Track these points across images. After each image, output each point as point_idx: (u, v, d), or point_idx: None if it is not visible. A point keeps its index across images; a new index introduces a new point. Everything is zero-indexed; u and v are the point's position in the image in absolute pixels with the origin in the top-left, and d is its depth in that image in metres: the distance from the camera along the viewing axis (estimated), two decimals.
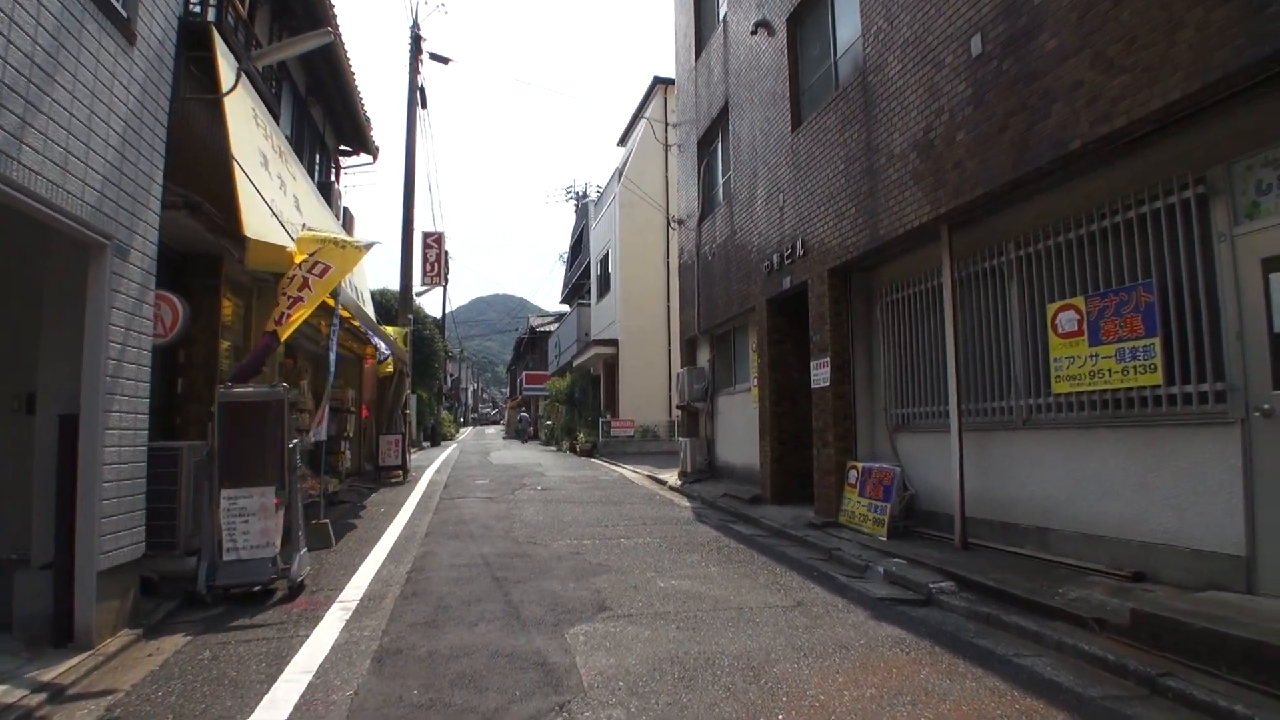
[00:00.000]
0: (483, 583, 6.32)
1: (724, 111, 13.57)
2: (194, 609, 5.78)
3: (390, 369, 13.39)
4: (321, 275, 7.03)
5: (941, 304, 7.66)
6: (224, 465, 6.16)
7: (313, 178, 13.31)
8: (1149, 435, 5.37)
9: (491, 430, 66.09)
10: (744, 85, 12.45)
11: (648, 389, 24.76)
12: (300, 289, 6.89)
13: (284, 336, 6.80)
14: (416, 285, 19.77)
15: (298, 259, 7.04)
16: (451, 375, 58.89)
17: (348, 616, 5.38)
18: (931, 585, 6.00)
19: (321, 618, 5.38)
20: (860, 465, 8.68)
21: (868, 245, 8.38)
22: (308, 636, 4.92)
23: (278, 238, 7.35)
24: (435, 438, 36.31)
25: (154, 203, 5.78)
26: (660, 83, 24.97)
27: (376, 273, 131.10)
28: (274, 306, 7.03)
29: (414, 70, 17.55)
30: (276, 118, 11.27)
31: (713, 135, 14.68)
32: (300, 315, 6.85)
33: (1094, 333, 5.76)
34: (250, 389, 6.36)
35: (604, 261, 28.57)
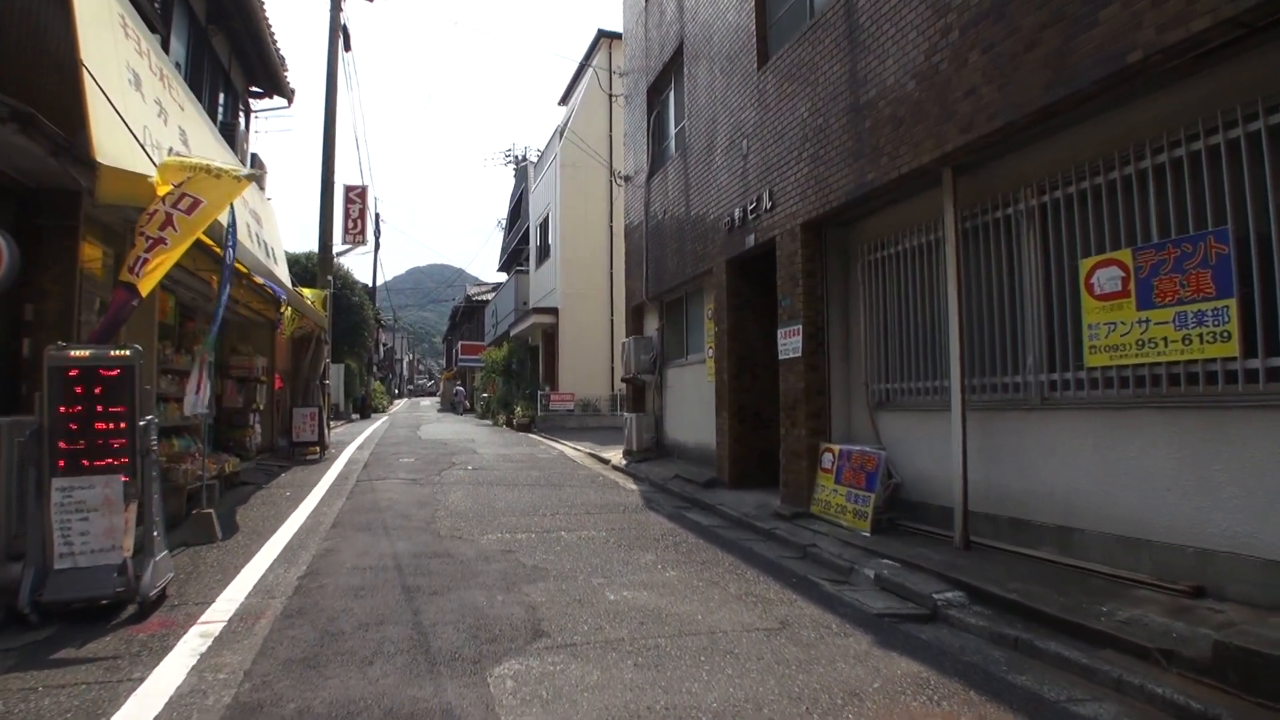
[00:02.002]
0: (389, 594, 5.12)
1: (678, 53, 12.36)
2: (16, 630, 4.49)
3: (289, 331, 11.88)
4: (190, 211, 5.66)
5: (941, 261, 6.66)
6: (56, 447, 4.83)
7: (215, 118, 11.71)
8: (1214, 419, 4.42)
9: (427, 402, 64.11)
10: (700, 22, 11.25)
11: (589, 360, 23.61)
12: (162, 228, 5.52)
13: (145, 289, 5.44)
14: (337, 244, 18.17)
15: (161, 191, 5.66)
16: (385, 345, 56.76)
17: (205, 647, 4.14)
18: (936, 596, 5.03)
19: (171, 648, 4.14)
20: (837, 448, 7.70)
21: (851, 194, 7.32)
22: (142, 680, 3.68)
23: (141, 166, 5.96)
24: (365, 410, 34.60)
25: None
26: (605, 36, 23.57)
27: (298, 235, 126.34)
28: (129, 250, 5.66)
29: (336, 6, 15.85)
30: (165, 42, 9.70)
31: (664, 82, 13.47)
32: (163, 261, 5.50)
33: (1144, 293, 4.78)
34: (90, 350, 5.01)
35: (544, 226, 27.16)
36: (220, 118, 12.32)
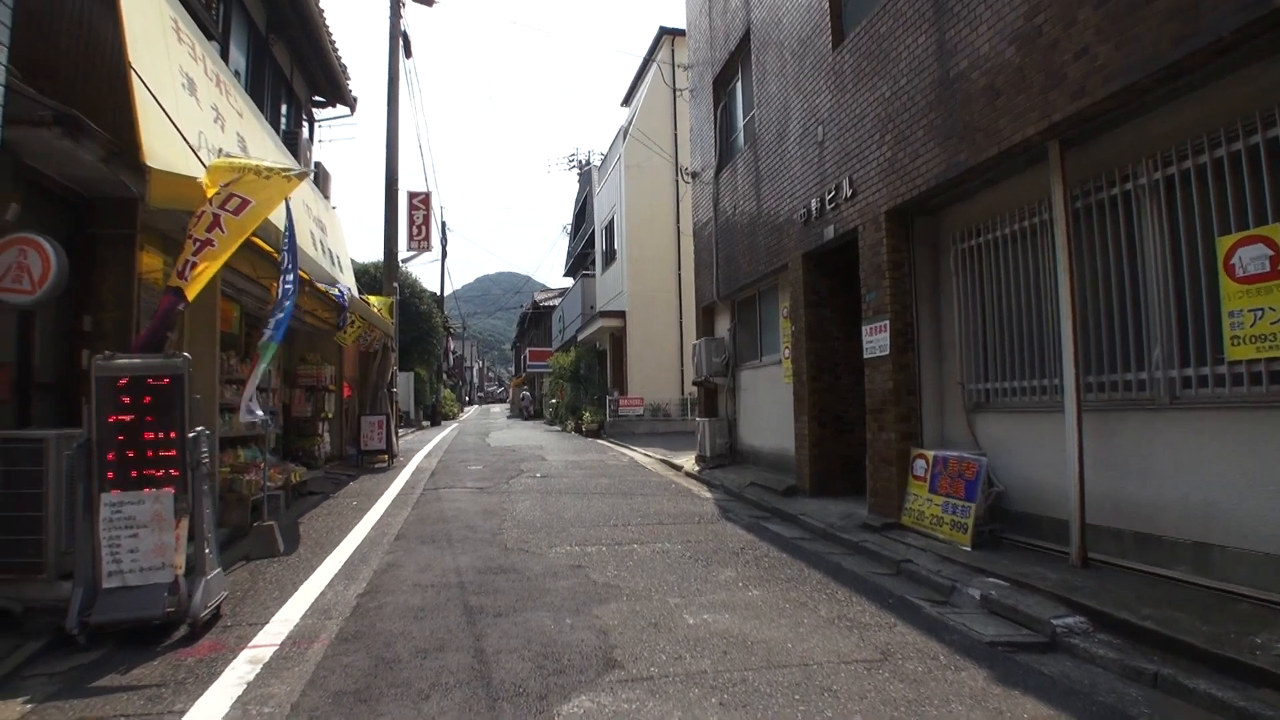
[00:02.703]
0: (451, 615, 4.75)
1: (744, 41, 11.84)
2: (64, 652, 4.28)
3: (350, 338, 11.69)
4: (238, 212, 5.41)
5: (1048, 246, 6.03)
6: (105, 460, 4.61)
7: (277, 128, 11.68)
8: None
9: (497, 409, 64.67)
10: (768, 6, 10.71)
11: (658, 364, 23.16)
12: (209, 229, 5.28)
13: (192, 293, 5.20)
14: (402, 251, 18.15)
15: (209, 191, 5.44)
16: (454, 353, 57.43)
17: (253, 675, 3.83)
18: (1055, 622, 4.43)
19: (218, 675, 3.84)
20: (930, 454, 7.07)
21: (941, 176, 6.72)
22: (183, 713, 3.39)
23: (193, 169, 5.76)
24: (436, 417, 34.90)
25: None
26: (667, 33, 23.13)
27: (365, 245, 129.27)
28: (168, 254, 5.44)
29: (395, 12, 15.81)
30: (224, 50, 9.64)
31: (731, 72, 12.96)
32: (210, 264, 5.25)
33: None
34: (138, 360, 4.78)
35: (609, 229, 26.85)
36: (283, 127, 12.30)
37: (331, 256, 11.96)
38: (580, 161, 39.17)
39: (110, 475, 4.60)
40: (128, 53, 5.52)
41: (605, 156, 29.67)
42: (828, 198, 8.91)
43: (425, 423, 32.15)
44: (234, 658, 4.11)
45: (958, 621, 4.72)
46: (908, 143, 7.27)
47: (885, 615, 4.83)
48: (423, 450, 17.39)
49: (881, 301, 7.74)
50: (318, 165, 13.53)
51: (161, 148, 5.60)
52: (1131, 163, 5.36)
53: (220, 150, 6.25)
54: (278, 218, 6.76)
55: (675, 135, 22.55)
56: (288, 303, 6.40)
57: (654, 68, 23.39)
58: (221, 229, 5.31)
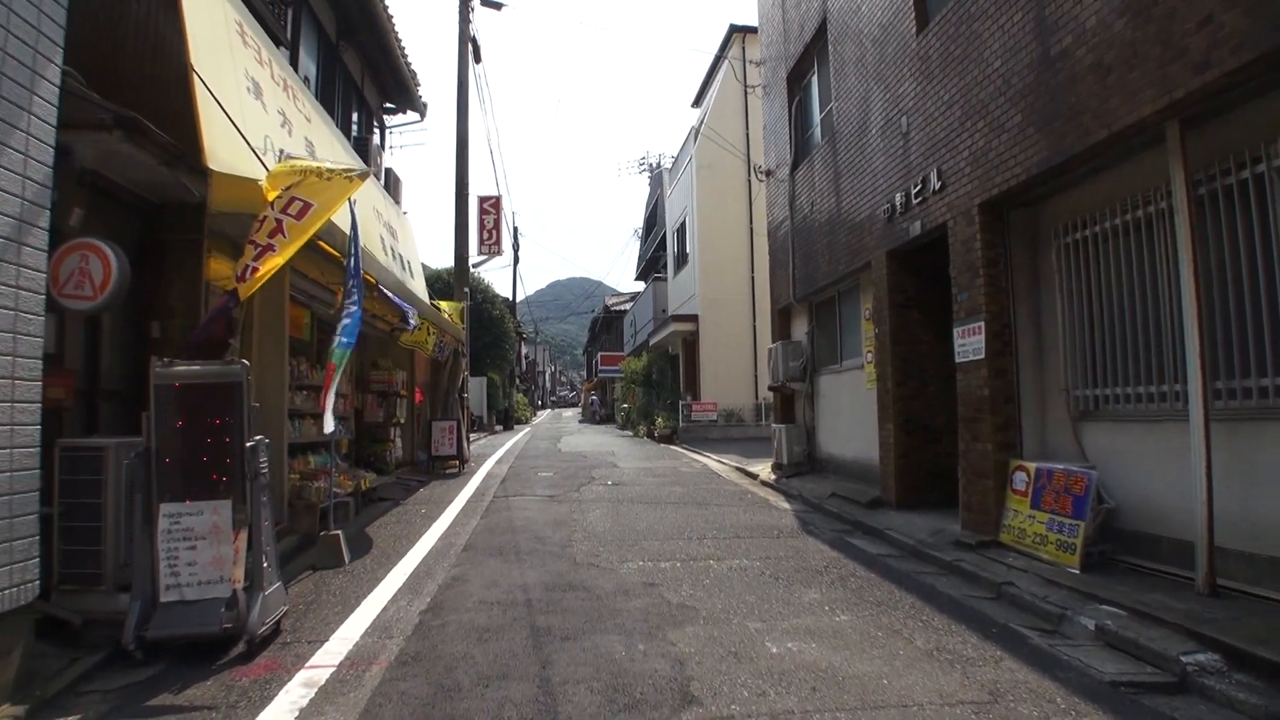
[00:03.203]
0: (516, 637, 4.45)
1: (820, 32, 11.35)
2: (120, 668, 4.15)
3: (420, 343, 11.54)
4: (300, 216, 5.25)
5: (1166, 237, 5.43)
6: (163, 469, 4.47)
7: (348, 134, 11.70)
8: None
9: (569, 413, 64.88)
10: None
11: (731, 368, 22.68)
12: (272, 235, 5.12)
13: (245, 293, 5.05)
14: (473, 256, 18.09)
15: (270, 195, 5.29)
16: (526, 357, 57.90)
17: (306, 700, 3.60)
18: (1184, 659, 3.89)
19: (271, 699, 3.62)
20: (1033, 467, 6.49)
21: (1042, 164, 6.16)
22: None
23: (256, 172, 5.64)
24: (509, 422, 35.09)
25: (42, 99, 4.07)
26: (738, 31, 22.69)
27: (436, 251, 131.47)
28: (238, 260, 5.31)
29: (464, 18, 15.79)
30: (294, 57, 9.65)
31: (806, 66, 12.46)
32: (270, 266, 5.09)
33: None
34: (197, 367, 4.63)
35: (680, 231, 26.49)
36: (354, 134, 12.34)
37: (402, 262, 11.92)
38: (650, 165, 39.04)
39: (168, 485, 4.46)
40: (189, 54, 5.43)
41: (676, 159, 29.34)
42: (913, 191, 8.37)
43: (498, 427, 32.32)
44: (289, 679, 3.89)
45: (1072, 656, 4.21)
46: (1003, 130, 6.72)
47: (989, 647, 4.34)
48: (494, 455, 17.32)
49: (975, 301, 7.18)
50: (389, 171, 13.56)
51: (224, 150, 5.50)
52: (1264, 141, 4.74)
53: (282, 153, 6.12)
54: (344, 221, 6.62)
55: (747, 135, 22.06)
56: (354, 308, 6.23)
57: (725, 66, 22.97)
58: (284, 234, 5.15)
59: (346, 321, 6.40)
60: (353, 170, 5.55)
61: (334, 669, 4.03)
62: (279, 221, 5.22)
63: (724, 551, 6.80)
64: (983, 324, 7.06)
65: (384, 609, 5.11)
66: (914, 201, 8.36)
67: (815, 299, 12.30)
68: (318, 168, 5.47)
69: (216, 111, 5.56)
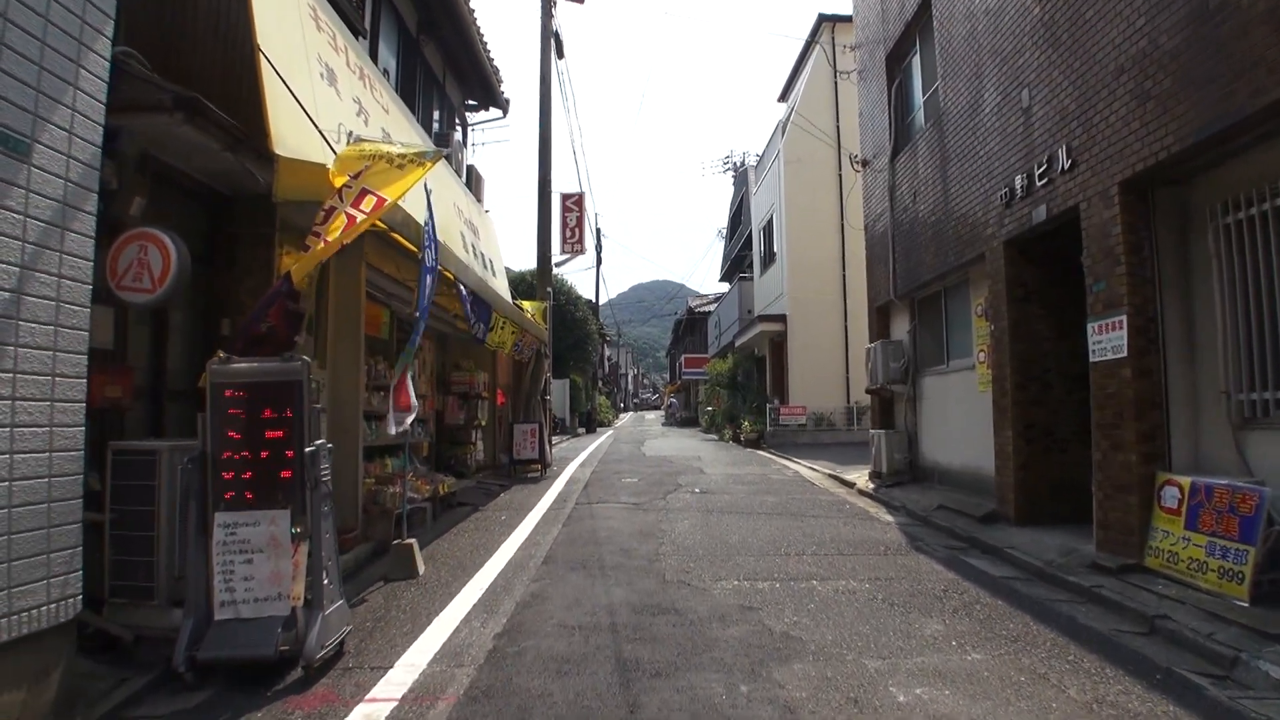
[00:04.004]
0: (600, 672, 3.90)
1: (924, 8, 10.50)
2: (170, 690, 3.82)
3: (499, 344, 11.13)
4: (370, 209, 4.85)
5: None
6: (219, 475, 4.11)
7: (429, 130, 11.45)
8: None
9: (651, 415, 64.49)
10: None
11: (821, 370, 21.75)
12: (345, 231, 4.71)
13: (299, 277, 4.65)
14: (556, 255, 17.75)
15: (337, 181, 4.90)
16: (610, 360, 57.79)
17: None
18: None
19: None
20: (1186, 481, 5.60)
21: (1201, 132, 5.29)
22: None
23: (325, 157, 5.28)
24: (591, 424, 34.86)
25: (89, 73, 3.74)
26: (827, 20, 21.77)
27: (517, 252, 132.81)
28: (299, 255, 4.94)
29: (547, 12, 15.47)
30: (374, 49, 9.41)
31: (906, 46, 11.62)
32: (327, 249, 4.68)
33: None
34: (255, 364, 4.26)
35: (767, 229, 25.66)
36: (435, 130, 12.10)
37: (484, 260, 11.61)
38: (735, 163, 38.35)
39: (224, 493, 4.09)
40: (255, 34, 5.10)
41: (761, 155, 28.52)
42: (1037, 172, 7.51)
43: (581, 430, 32.09)
44: (346, 714, 3.44)
45: (1260, 714, 3.42)
46: (1148, 96, 5.85)
47: (1158, 699, 3.59)
48: (577, 459, 16.93)
49: (1115, 293, 6.31)
50: (470, 169, 13.30)
51: (292, 135, 5.15)
52: None
53: (351, 134, 5.76)
54: (418, 210, 6.24)
55: (838, 126, 21.14)
56: (423, 300, 5.82)
57: (813, 57, 22.08)
58: (356, 226, 4.75)
59: (415, 313, 6.02)
60: (425, 153, 5.13)
61: (396, 703, 3.57)
62: (350, 217, 4.81)
63: (827, 570, 6.12)
64: (1124, 318, 6.19)
65: (456, 630, 4.64)
66: (1038, 184, 7.50)
67: (918, 295, 11.43)
68: (388, 152, 5.07)
69: (284, 94, 5.21)
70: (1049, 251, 7.96)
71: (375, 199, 4.83)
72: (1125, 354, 6.17)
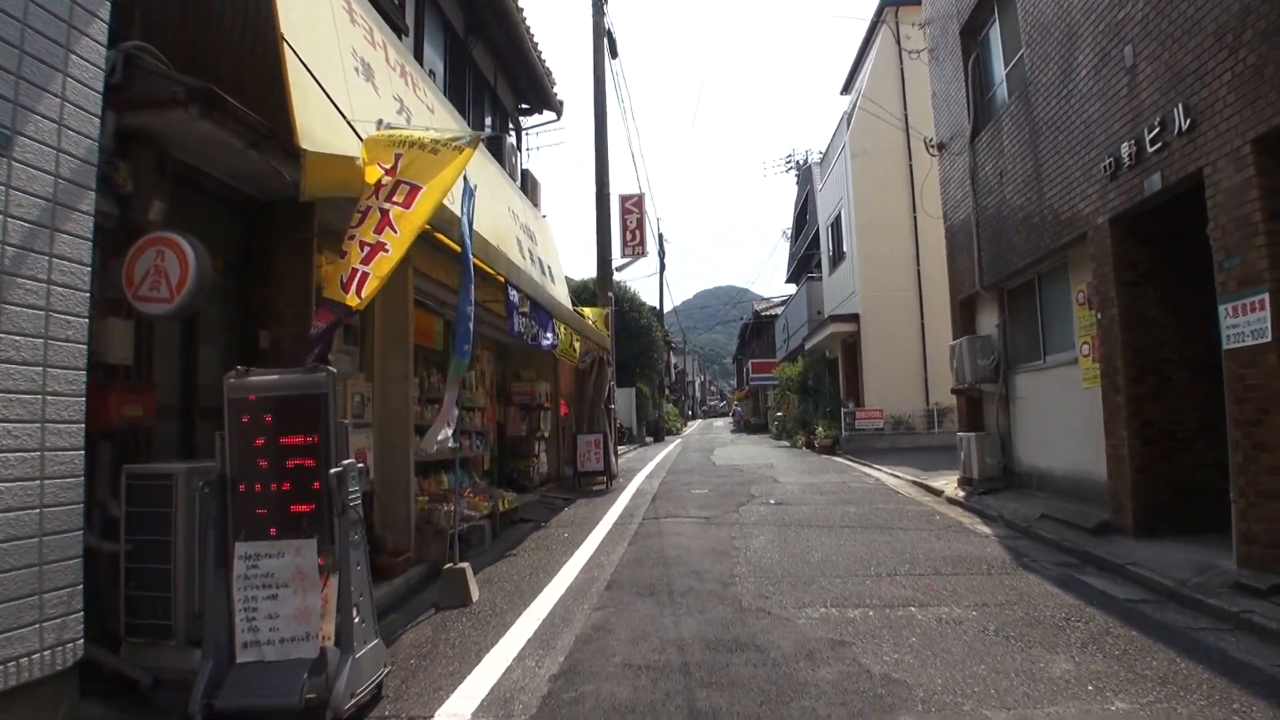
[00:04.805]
0: None
1: None
2: None
3: (566, 349, 10.63)
4: (408, 204, 4.39)
5: None
6: (239, 500, 3.68)
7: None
8: None
9: (719, 423, 63.57)
10: None
11: (897, 371, 20.74)
12: (379, 230, 4.26)
13: (361, 305, 4.19)
14: (616, 258, 17.28)
15: (370, 176, 4.46)
16: (676, 367, 57.21)
17: None
18: None
19: None
20: None
21: None
22: None
23: (354, 149, 4.85)
24: (659, 433, 34.31)
25: (81, 59, 3.37)
26: (889, 4, 20.86)
27: (576, 262, 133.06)
28: (322, 255, 4.51)
29: (599, 10, 15.05)
30: (419, 53, 9.07)
31: (983, 17, 10.80)
32: (385, 269, 4.22)
33: None
34: (274, 376, 3.82)
35: (835, 226, 24.74)
36: (487, 132, 11.74)
37: (542, 266, 11.18)
38: (798, 161, 37.47)
39: (245, 520, 3.66)
40: (278, 23, 4.70)
41: (825, 151, 27.61)
42: (1147, 137, 6.67)
43: (648, 439, 31.56)
44: None
45: None
46: None
47: None
48: (644, 470, 16.37)
49: (1252, 268, 5.47)
50: (525, 173, 12.91)
51: (320, 129, 4.74)
52: None
53: (381, 122, 5.32)
54: (451, 198, 5.77)
55: (906, 114, 20.18)
56: (469, 308, 5.35)
57: (879, 39, 21.17)
58: (393, 228, 4.29)
59: (463, 324, 5.55)
60: (461, 137, 4.66)
61: None
62: (385, 212, 4.37)
63: (925, 594, 5.41)
64: (1265, 296, 5.34)
65: (507, 670, 4.13)
66: (1149, 150, 6.66)
67: (1007, 285, 10.55)
68: (420, 138, 4.61)
69: (311, 86, 4.80)
70: (1162, 227, 7.12)
71: (409, 188, 4.38)
72: (1269, 338, 5.32)
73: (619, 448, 17.19)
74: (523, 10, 11.33)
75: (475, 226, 6.46)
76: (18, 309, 3.00)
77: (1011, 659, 4.06)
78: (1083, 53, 7.76)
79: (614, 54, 15.66)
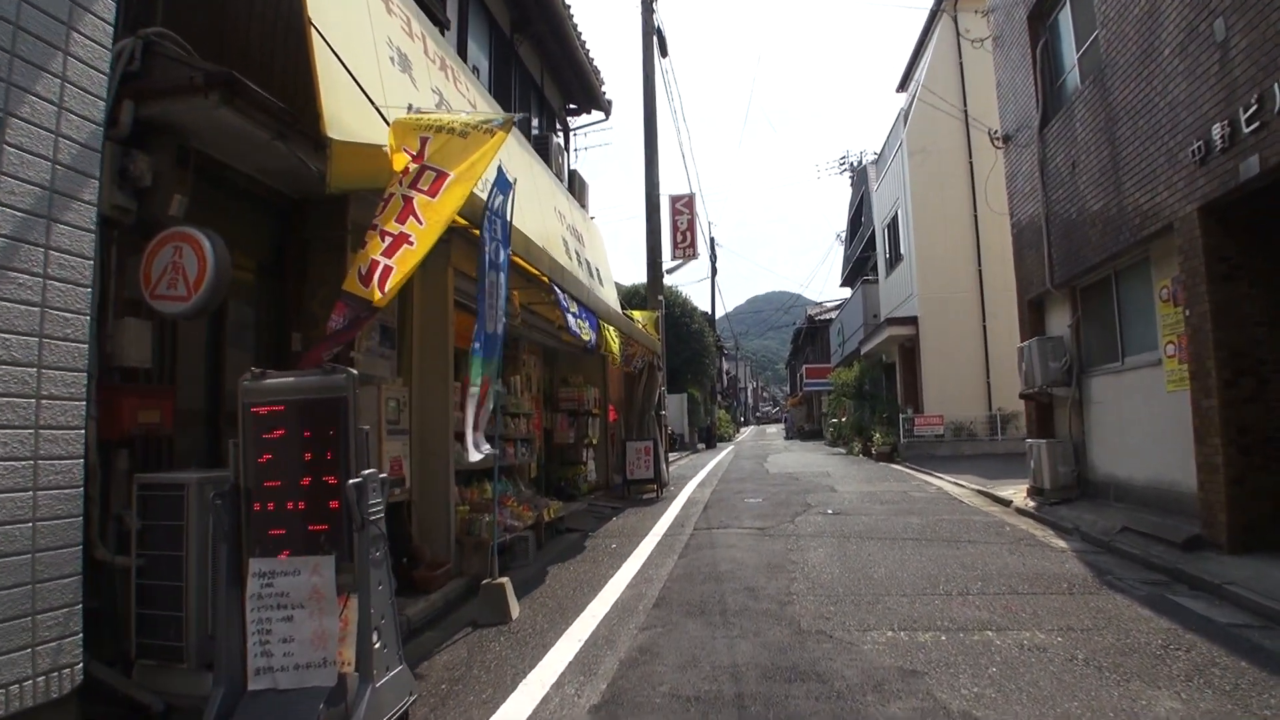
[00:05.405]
0: None
1: None
2: None
3: (609, 350, 10.24)
4: (434, 192, 4.10)
5: None
6: (253, 514, 3.40)
7: (527, 135, 10.84)
8: None
9: (772, 429, 62.69)
10: None
11: (957, 375, 19.93)
12: (402, 219, 3.98)
13: (384, 302, 3.90)
14: (666, 261, 16.92)
15: (396, 163, 4.18)
16: (728, 373, 56.58)
17: None
18: None
19: None
20: None
21: None
22: None
23: (382, 138, 4.58)
24: (711, 439, 33.82)
25: (83, 36, 3.13)
26: None
27: (626, 268, 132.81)
28: (355, 254, 4.23)
29: (648, 7, 14.74)
30: (462, 50, 8.85)
31: (1050, 1, 10.20)
32: (409, 264, 3.94)
33: None
34: (290, 379, 3.54)
35: (891, 226, 24.01)
36: (534, 133, 11.51)
37: (589, 268, 10.89)
38: (852, 163, 36.72)
39: (259, 535, 3.38)
40: (306, 8, 4.46)
41: (881, 150, 26.88)
42: (1243, 117, 6.07)
43: (700, 445, 31.09)
44: None
45: None
46: None
47: None
48: (695, 478, 15.95)
49: None
50: (573, 174, 12.67)
51: (350, 118, 4.49)
52: None
53: (410, 106, 5.04)
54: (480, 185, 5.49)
55: (965, 109, 19.41)
56: (484, 303, 5.04)
57: (937, 30, 20.42)
58: (418, 218, 4.00)
59: (492, 325, 5.26)
60: (492, 120, 4.35)
61: None
62: (408, 200, 4.09)
63: (1002, 616, 4.92)
64: None
65: (544, 699, 3.78)
66: (1244, 131, 6.06)
67: (1080, 283, 9.89)
68: (449, 122, 4.32)
69: (340, 73, 4.56)
70: (1255, 216, 6.52)
71: (435, 174, 4.09)
72: None
73: (670, 454, 16.79)
74: (570, 7, 11.09)
75: (518, 224, 6.18)
76: (7, 304, 2.77)
77: (1108, 694, 3.57)
78: (1166, 30, 7.17)
79: (664, 53, 15.34)
